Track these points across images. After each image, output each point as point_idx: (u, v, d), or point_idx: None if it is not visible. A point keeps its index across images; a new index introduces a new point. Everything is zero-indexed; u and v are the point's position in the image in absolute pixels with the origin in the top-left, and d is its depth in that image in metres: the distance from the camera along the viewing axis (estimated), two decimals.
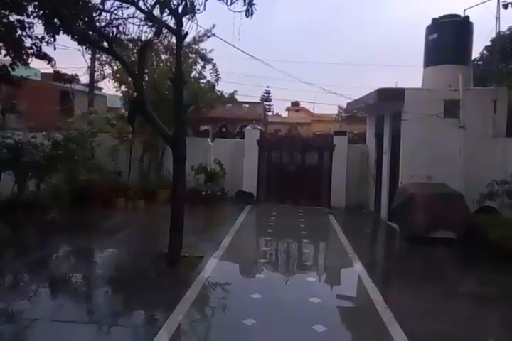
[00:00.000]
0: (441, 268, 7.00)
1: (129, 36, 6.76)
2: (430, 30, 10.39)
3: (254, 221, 11.02)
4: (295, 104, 44.18)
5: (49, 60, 7.18)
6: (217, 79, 12.72)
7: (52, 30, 6.25)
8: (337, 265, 7.13)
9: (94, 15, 6.28)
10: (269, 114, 44.22)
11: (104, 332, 4.17)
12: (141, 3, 6.07)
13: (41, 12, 6.20)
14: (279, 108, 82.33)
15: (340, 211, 12.07)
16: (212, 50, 12.69)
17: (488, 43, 17.42)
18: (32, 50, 6.98)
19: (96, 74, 17.42)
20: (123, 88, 12.49)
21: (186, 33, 6.21)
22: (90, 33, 6.44)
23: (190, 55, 12.51)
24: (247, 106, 28.57)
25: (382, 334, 4.24)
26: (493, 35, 11.54)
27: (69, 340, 3.99)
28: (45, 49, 6.96)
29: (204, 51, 12.61)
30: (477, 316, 5.05)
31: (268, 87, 51.49)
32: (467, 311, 5.15)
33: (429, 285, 5.98)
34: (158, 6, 5.99)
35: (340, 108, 32.74)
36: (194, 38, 12.44)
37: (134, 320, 4.58)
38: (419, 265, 7.02)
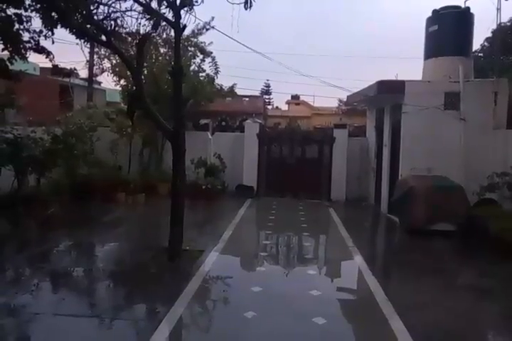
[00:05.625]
0: (442, 260, 7.01)
1: (128, 29, 6.72)
2: (430, 21, 10.34)
3: (255, 214, 11.03)
4: (295, 97, 44.05)
5: (47, 53, 7.13)
6: (216, 73, 12.67)
7: (50, 24, 6.20)
8: (337, 258, 7.14)
9: (92, 8, 6.23)
10: (269, 107, 44.13)
11: (106, 326, 4.18)
12: None
13: (39, 5, 6.15)
14: (279, 101, 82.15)
15: (340, 204, 12.08)
16: (212, 43, 12.64)
17: (489, 35, 17.34)
18: (30, 44, 6.92)
19: (95, 68, 17.35)
20: (122, 82, 12.45)
21: (185, 26, 6.17)
22: (88, 26, 6.40)
23: (189, 49, 12.43)
24: (247, 99, 28.50)
25: (382, 327, 4.25)
26: (494, 26, 11.47)
27: (70, 334, 3.99)
28: (44, 43, 6.93)
29: (203, 44, 12.54)
30: (477, 308, 5.07)
31: (268, 80, 51.44)
32: (467, 303, 5.17)
33: (429, 278, 5.99)
34: None
35: (340, 101, 32.69)
36: (193, 31, 12.35)
37: (135, 314, 4.61)
38: (419, 257, 7.03)
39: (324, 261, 7.14)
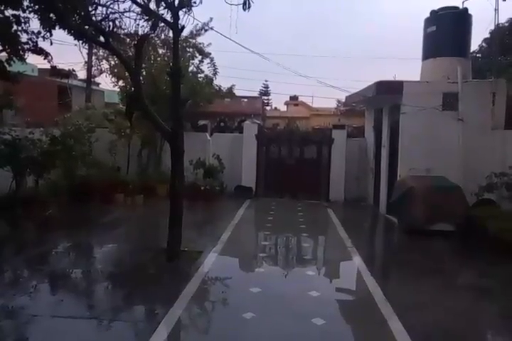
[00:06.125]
0: (441, 260, 7.01)
1: (126, 30, 6.74)
2: (429, 22, 10.35)
3: (253, 215, 11.02)
4: (294, 98, 44.06)
5: (45, 55, 7.13)
6: (215, 74, 12.67)
7: (48, 25, 6.20)
8: (336, 258, 7.14)
9: (90, 9, 6.23)
10: (268, 108, 44.15)
11: (104, 327, 4.18)
12: None
13: (37, 6, 6.15)
14: (278, 102, 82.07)
15: (339, 205, 12.07)
16: (210, 44, 12.64)
17: (487, 35, 17.39)
18: (28, 45, 6.92)
19: (93, 69, 17.39)
20: (120, 83, 12.44)
21: (183, 27, 6.17)
22: (86, 27, 6.40)
23: (188, 49, 12.44)
24: (246, 100, 28.48)
25: (381, 327, 4.25)
26: (492, 27, 11.50)
27: (69, 336, 3.99)
28: (42, 44, 6.92)
29: (201, 45, 12.54)
30: (476, 308, 5.07)
31: (266, 81, 51.48)
32: (466, 303, 5.17)
33: (428, 278, 5.99)
34: None
35: (338, 102, 32.71)
36: (191, 32, 12.37)
37: (134, 315, 4.60)
38: (418, 258, 7.03)
39: (323, 262, 7.14)
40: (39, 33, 6.62)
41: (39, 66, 20.90)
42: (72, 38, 6.31)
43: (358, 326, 4.45)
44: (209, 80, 12.69)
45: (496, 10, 10.02)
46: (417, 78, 10.56)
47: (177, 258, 6.10)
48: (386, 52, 79.29)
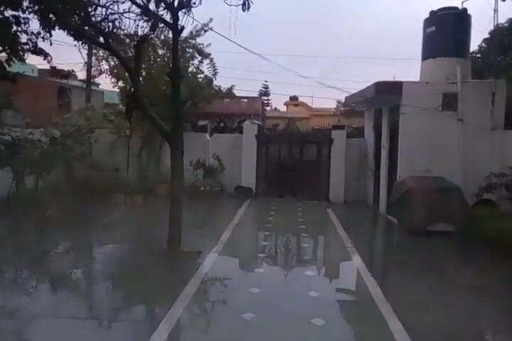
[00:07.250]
0: (440, 261, 7.01)
1: (125, 31, 6.74)
2: (428, 22, 10.34)
3: (253, 216, 11.01)
4: (293, 98, 44.03)
5: (45, 55, 7.15)
6: (214, 74, 12.67)
7: (47, 26, 6.21)
8: (336, 259, 7.14)
9: (90, 10, 6.24)
10: (268, 108, 44.13)
11: (104, 328, 4.18)
12: None
13: (36, 7, 6.16)
14: (278, 102, 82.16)
15: (338, 205, 12.05)
16: (210, 44, 12.64)
17: (487, 36, 17.39)
18: (28, 46, 6.94)
19: (93, 69, 17.37)
20: (120, 83, 12.43)
21: (182, 27, 6.19)
22: (86, 28, 6.41)
23: (187, 50, 12.44)
24: (245, 101, 28.47)
25: (380, 328, 4.25)
26: (492, 27, 11.51)
27: (68, 336, 3.99)
28: (42, 45, 6.94)
29: (201, 46, 12.55)
30: (476, 308, 5.08)
31: (266, 81, 51.49)
32: (466, 303, 5.17)
33: (427, 278, 5.99)
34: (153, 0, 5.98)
35: (338, 102, 32.73)
36: (191, 33, 12.36)
37: (134, 315, 4.60)
38: (418, 258, 7.03)
39: (323, 262, 7.14)
40: (39, 33, 6.63)
41: (39, 66, 20.89)
42: (71, 38, 6.34)
43: (357, 326, 4.44)
44: (209, 81, 12.69)
45: (495, 10, 10.04)
46: (417, 78, 10.56)
47: (177, 258, 6.10)
48: (386, 53, 79.37)
